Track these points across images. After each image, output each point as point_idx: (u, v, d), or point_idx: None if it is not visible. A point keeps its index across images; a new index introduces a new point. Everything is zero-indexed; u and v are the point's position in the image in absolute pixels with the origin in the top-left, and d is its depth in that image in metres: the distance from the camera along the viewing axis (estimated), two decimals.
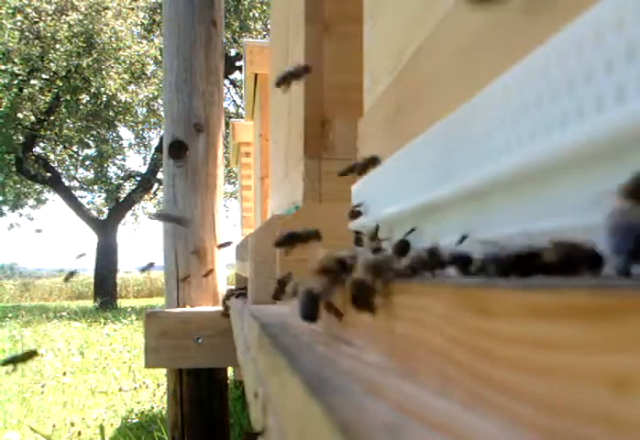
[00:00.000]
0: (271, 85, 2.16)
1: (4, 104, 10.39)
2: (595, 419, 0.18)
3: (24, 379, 4.33)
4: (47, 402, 3.77)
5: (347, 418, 0.26)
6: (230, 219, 13.83)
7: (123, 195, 13.02)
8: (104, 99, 11.06)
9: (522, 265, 0.30)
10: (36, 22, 10.34)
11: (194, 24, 2.25)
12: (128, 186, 13.37)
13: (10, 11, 10.12)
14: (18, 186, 12.57)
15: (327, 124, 1.28)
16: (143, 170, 13.30)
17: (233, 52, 12.32)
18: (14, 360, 1.15)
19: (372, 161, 0.76)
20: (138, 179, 13.08)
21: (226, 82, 12.94)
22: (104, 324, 7.81)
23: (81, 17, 10.41)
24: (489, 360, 0.25)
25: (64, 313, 8.75)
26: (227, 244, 2.22)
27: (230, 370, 3.45)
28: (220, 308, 2.10)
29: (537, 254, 0.30)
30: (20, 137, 11.07)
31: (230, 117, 11.15)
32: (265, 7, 11.47)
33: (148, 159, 13.08)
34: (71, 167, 13.03)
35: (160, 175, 11.92)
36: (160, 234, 2.33)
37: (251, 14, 11.87)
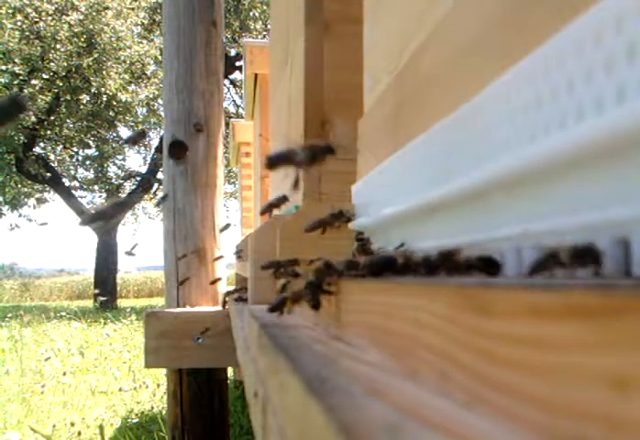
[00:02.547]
0: (271, 85, 2.17)
1: None
2: (595, 419, 0.18)
3: (24, 379, 4.33)
4: (47, 402, 3.77)
5: (347, 418, 0.26)
6: (230, 219, 13.85)
7: (123, 195, 13.02)
8: (105, 99, 11.06)
9: None
10: (36, 22, 10.34)
11: (194, 24, 2.25)
12: (128, 186, 13.38)
13: (10, 11, 10.13)
14: (18, 186, 12.57)
15: (327, 124, 1.28)
16: (143, 170, 13.31)
17: (233, 52, 12.32)
18: None
19: (338, 216, 0.82)
20: (138, 179, 13.08)
21: (226, 82, 12.94)
22: (104, 324, 7.81)
23: (81, 17, 10.41)
24: (489, 360, 0.25)
25: (64, 313, 8.75)
26: (227, 226, 2.22)
27: (230, 370, 3.45)
28: (220, 308, 2.10)
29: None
30: (20, 137, 11.07)
31: (230, 117, 11.15)
32: (265, 7, 11.47)
33: (149, 159, 13.09)
34: (71, 167, 13.04)
35: (160, 175, 11.92)
36: (160, 234, 2.33)
37: (251, 14, 11.87)
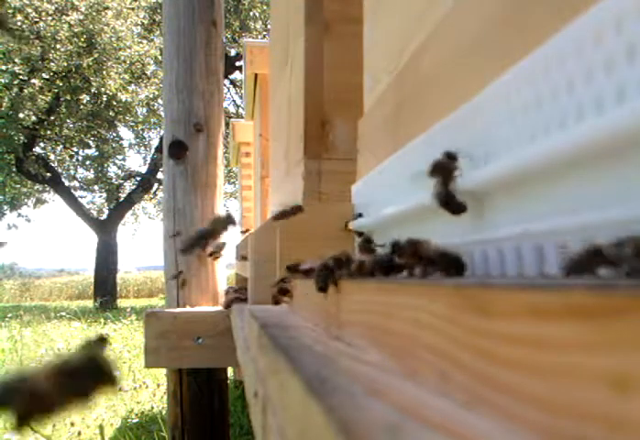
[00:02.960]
0: (271, 85, 2.16)
1: (4, 103, 10.40)
2: (595, 419, 0.18)
3: None
4: None
5: (346, 418, 0.26)
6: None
7: (123, 195, 13.03)
8: (105, 99, 11.07)
9: None
10: (36, 22, 10.34)
11: (194, 24, 2.25)
12: (128, 186, 13.38)
13: (10, 11, 10.12)
14: (18, 186, 12.57)
15: (327, 124, 1.28)
16: (143, 170, 13.32)
17: (233, 52, 12.32)
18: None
19: (298, 208, 0.85)
20: (138, 179, 13.09)
21: (226, 82, 12.94)
22: (104, 324, 7.81)
23: (81, 17, 10.41)
24: (489, 360, 0.25)
25: (64, 313, 8.75)
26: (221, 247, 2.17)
27: (230, 370, 3.45)
28: (220, 308, 2.10)
29: None
30: (21, 137, 11.07)
31: (230, 117, 11.16)
32: (265, 7, 11.46)
33: (149, 159, 13.09)
34: (71, 167, 13.04)
35: (160, 175, 11.93)
36: (160, 234, 2.32)
37: (251, 13, 11.87)
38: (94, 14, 10.51)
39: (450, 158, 0.47)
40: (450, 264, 0.43)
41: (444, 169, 0.47)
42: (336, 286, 0.55)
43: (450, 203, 0.48)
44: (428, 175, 0.48)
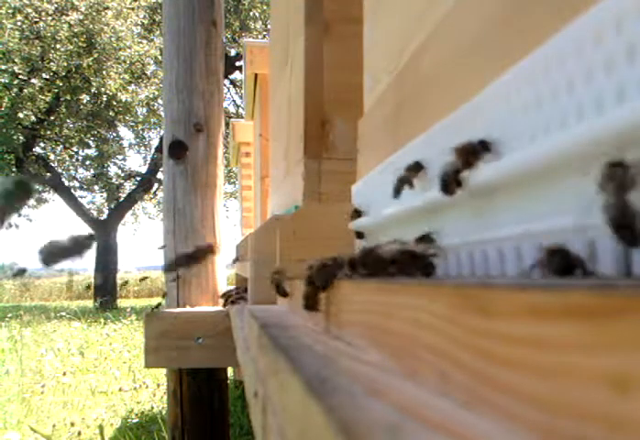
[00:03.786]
0: (271, 85, 2.16)
1: (4, 103, 10.40)
2: (595, 419, 0.18)
3: (24, 379, 4.33)
4: (47, 402, 3.77)
5: (346, 418, 0.26)
6: (230, 219, 13.86)
7: (123, 195, 13.03)
8: (105, 99, 11.07)
9: None
10: (36, 22, 10.34)
11: (194, 24, 2.25)
12: (128, 186, 13.38)
13: (10, 11, 10.12)
14: None
15: (327, 124, 1.28)
16: (143, 170, 13.32)
17: (233, 52, 12.32)
18: None
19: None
20: (138, 179, 13.09)
21: (226, 82, 12.94)
22: (104, 324, 7.81)
23: (81, 17, 10.41)
24: (488, 360, 0.25)
25: (64, 313, 8.74)
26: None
27: (230, 370, 3.45)
28: (220, 308, 2.10)
29: None
30: (20, 137, 11.07)
31: (230, 117, 11.16)
32: (265, 7, 11.47)
33: (149, 159, 13.09)
34: (71, 167, 13.04)
35: (160, 175, 11.93)
36: (160, 233, 2.33)
37: (251, 13, 11.87)
38: (94, 14, 10.51)
39: (484, 146, 0.45)
40: (418, 262, 0.43)
41: (468, 153, 0.46)
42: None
43: (448, 181, 0.48)
44: (453, 152, 0.47)
